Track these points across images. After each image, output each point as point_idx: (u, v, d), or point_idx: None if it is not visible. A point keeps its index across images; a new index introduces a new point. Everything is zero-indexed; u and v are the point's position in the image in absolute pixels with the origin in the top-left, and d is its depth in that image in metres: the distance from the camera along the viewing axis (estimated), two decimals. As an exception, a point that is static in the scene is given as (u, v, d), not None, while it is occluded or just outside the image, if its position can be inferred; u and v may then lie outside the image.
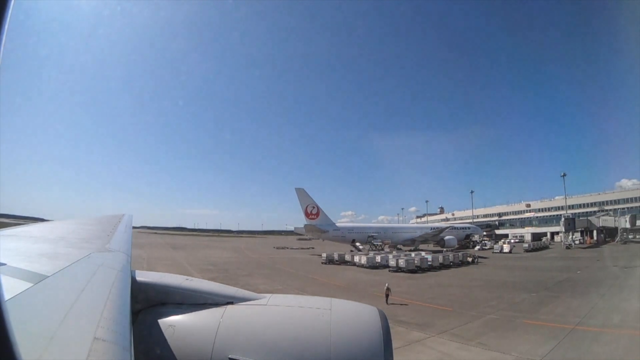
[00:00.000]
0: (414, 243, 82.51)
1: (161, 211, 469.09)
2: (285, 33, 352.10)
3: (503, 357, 15.27)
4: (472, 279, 39.62)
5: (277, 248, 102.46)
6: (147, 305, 3.46)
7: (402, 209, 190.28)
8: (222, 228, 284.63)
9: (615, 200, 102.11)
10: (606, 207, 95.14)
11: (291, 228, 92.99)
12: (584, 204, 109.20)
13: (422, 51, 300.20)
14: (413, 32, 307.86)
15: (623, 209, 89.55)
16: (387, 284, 27.78)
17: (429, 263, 48.87)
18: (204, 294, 3.53)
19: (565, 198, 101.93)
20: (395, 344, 11.01)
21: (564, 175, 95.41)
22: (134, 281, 3.45)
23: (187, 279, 3.81)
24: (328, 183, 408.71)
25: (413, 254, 53.91)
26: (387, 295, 26.75)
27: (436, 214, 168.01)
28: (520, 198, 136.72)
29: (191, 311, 3.35)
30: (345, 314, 3.25)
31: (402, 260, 47.10)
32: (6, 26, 1.46)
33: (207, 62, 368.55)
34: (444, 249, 72.02)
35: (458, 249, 70.31)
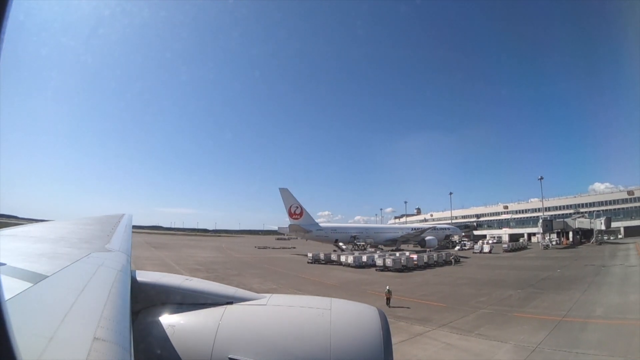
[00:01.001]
0: (395, 243, 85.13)
1: (135, 209, 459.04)
2: (264, 30, 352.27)
3: (502, 345, 16.79)
4: (458, 277, 41.52)
5: (259, 248, 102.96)
6: (147, 305, 3.55)
7: (381, 209, 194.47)
8: (199, 227, 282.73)
9: (590, 203, 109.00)
10: (582, 210, 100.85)
11: (275, 228, 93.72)
12: (559, 206, 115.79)
13: (401, 51, 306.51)
14: (387, 32, 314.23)
15: (598, 211, 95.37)
16: (387, 287, 27.07)
17: (414, 262, 50.75)
18: (204, 294, 3.64)
19: (542, 200, 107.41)
20: (400, 337, 12.61)
21: (541, 178, 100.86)
22: (134, 281, 3.54)
23: (186, 279, 3.93)
24: (305, 183, 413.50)
25: (397, 254, 55.67)
26: (388, 299, 25.93)
27: (414, 215, 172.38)
28: (498, 200, 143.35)
29: (191, 311, 3.44)
30: (346, 314, 3.34)
31: (389, 259, 48.78)
32: (6, 27, 1.47)
33: (187, 62, 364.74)
34: (428, 249, 74.38)
35: (438, 249, 72.82)
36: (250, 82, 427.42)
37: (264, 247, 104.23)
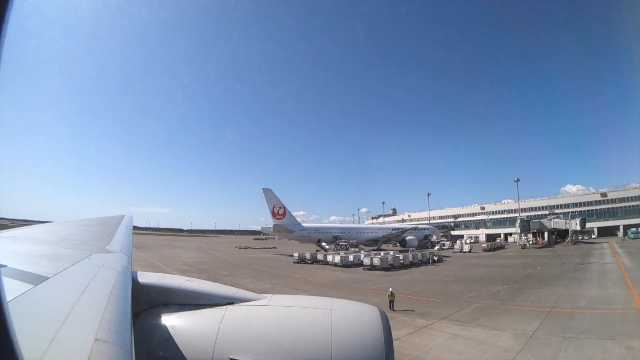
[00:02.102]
0: (376, 243, 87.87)
1: (108, 209, 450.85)
2: (226, 30, 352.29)
3: (502, 333, 18.63)
4: (444, 275, 43.77)
5: (240, 248, 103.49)
6: (148, 306, 3.64)
7: (358, 209, 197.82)
8: (174, 227, 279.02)
9: (564, 205, 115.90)
10: (556, 211, 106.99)
11: (257, 228, 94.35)
12: (535, 207, 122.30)
13: (379, 49, 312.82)
14: (365, 31, 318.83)
15: (573, 212, 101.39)
16: (390, 289, 26.00)
17: (400, 261, 52.84)
18: (205, 294, 3.73)
19: (519, 202, 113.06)
20: (407, 330, 14.67)
21: (517, 180, 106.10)
22: (134, 282, 3.64)
23: (187, 280, 4.02)
24: (280, 183, 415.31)
25: (382, 253, 57.63)
26: (391, 302, 24.74)
27: (391, 215, 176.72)
28: (473, 201, 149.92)
29: (192, 312, 3.53)
30: (347, 314, 3.42)
31: (377, 259, 50.60)
32: (6, 28, 1.50)
33: (167, 61, 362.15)
34: (410, 249, 76.89)
35: (419, 249, 75.56)
36: (225, 82, 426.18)
37: (245, 248, 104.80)
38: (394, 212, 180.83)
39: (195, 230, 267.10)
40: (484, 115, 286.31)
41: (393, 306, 24.44)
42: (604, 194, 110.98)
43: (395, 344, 12.17)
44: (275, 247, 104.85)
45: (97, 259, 3.96)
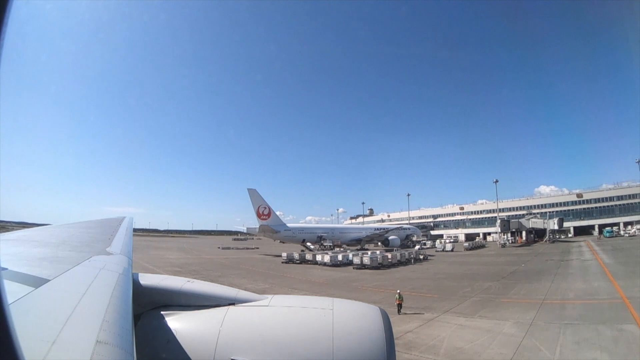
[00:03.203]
0: (360, 243, 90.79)
1: (83, 209, 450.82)
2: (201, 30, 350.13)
3: (504, 323, 20.57)
4: (433, 273, 45.95)
5: (223, 248, 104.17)
6: (149, 307, 3.72)
7: (337, 210, 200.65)
8: (150, 227, 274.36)
9: (541, 205, 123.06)
10: (534, 211, 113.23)
11: (243, 229, 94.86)
12: (512, 208, 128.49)
13: (349, 50, 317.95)
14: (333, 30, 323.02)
15: (551, 212, 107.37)
16: (398, 291, 25.23)
17: (389, 260, 54.92)
18: (206, 295, 3.81)
19: (497, 202, 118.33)
20: (416, 323, 17.03)
21: (496, 181, 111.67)
22: (135, 284, 3.71)
23: (188, 281, 4.09)
24: (256, 183, 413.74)
25: (370, 252, 59.51)
26: (399, 305, 23.92)
27: (368, 215, 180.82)
28: (449, 201, 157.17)
29: (193, 313, 3.59)
30: (348, 314, 3.48)
31: (367, 258, 52.51)
32: (6, 29, 1.53)
33: (135, 60, 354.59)
34: (394, 248, 79.35)
35: (401, 248, 78.23)
36: (198, 82, 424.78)
37: (227, 248, 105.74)
38: (371, 213, 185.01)
39: (172, 231, 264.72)
40: (459, 118, 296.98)
41: (401, 310, 23.61)
42: (579, 195, 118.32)
43: (409, 335, 14.28)
44: (257, 248, 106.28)
45: (97, 261, 4.04)
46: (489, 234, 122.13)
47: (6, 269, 2.89)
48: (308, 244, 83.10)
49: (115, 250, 5.06)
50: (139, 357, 2.30)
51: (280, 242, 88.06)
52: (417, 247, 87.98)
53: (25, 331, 1.53)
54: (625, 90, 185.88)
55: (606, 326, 18.60)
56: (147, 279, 4.05)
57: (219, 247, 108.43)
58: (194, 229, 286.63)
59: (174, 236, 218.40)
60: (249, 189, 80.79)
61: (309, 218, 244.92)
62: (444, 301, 27.41)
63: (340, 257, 57.43)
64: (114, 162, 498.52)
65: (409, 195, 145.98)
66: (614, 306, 22.87)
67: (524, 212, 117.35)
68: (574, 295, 27.37)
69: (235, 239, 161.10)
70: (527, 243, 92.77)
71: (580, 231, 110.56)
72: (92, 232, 7.45)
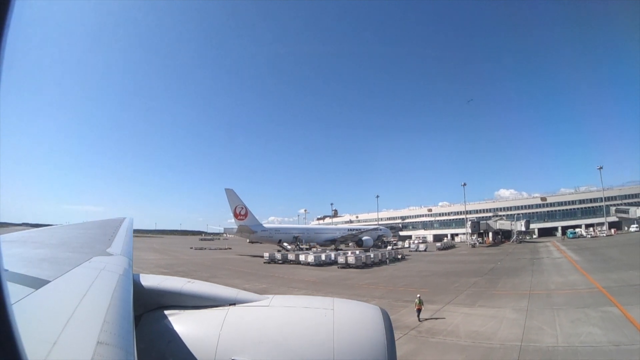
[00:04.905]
0: (334, 243, 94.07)
1: (39, 206, 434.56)
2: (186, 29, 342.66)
3: (504, 310, 23.91)
4: (418, 271, 49.27)
5: (196, 249, 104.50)
6: (149, 308, 3.86)
7: (305, 210, 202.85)
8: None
9: (507, 207, 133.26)
10: (500, 213, 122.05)
11: (220, 229, 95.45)
12: (479, 210, 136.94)
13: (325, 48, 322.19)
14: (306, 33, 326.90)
15: (518, 214, 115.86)
16: (418, 295, 23.29)
17: (372, 260, 58.08)
18: (206, 296, 3.93)
19: (465, 204, 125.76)
20: (426, 314, 21.21)
21: (464, 184, 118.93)
22: (136, 284, 3.81)
23: (188, 282, 4.19)
24: (218, 183, 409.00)
25: (350, 252, 62.60)
26: (419, 310, 22.68)
27: (333, 217, 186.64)
28: (415, 203, 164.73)
29: (194, 314, 3.73)
30: (348, 314, 3.59)
31: (352, 257, 55.41)
32: (7, 30, 1.56)
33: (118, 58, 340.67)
34: (370, 248, 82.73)
35: (374, 248, 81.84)
36: (168, 79, 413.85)
37: (201, 248, 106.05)
38: (335, 214, 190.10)
39: (135, 230, 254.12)
40: (423, 120, 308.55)
41: (420, 315, 22.58)
42: (543, 198, 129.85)
43: (425, 324, 18.43)
44: (230, 248, 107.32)
45: (98, 261, 4.10)
46: (457, 234, 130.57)
47: (7, 270, 2.83)
48: (285, 244, 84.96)
49: (115, 251, 5.22)
50: (140, 358, 2.39)
51: (251, 242, 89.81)
52: (389, 247, 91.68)
53: (26, 332, 1.57)
54: (575, 102, 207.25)
55: (592, 309, 22.38)
56: (148, 280, 4.16)
57: (191, 248, 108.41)
58: (157, 228, 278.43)
59: (138, 235, 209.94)
60: (226, 189, 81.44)
61: (271, 218, 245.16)
62: (441, 295, 30.33)
63: (323, 257, 59.93)
64: (69, 158, 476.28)
65: (377, 197, 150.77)
66: (593, 294, 26.98)
67: (490, 214, 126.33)
68: (555, 286, 31.55)
69: (201, 239, 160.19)
70: (495, 243, 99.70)
71: (544, 232, 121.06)
72: (93, 233, 7.71)
